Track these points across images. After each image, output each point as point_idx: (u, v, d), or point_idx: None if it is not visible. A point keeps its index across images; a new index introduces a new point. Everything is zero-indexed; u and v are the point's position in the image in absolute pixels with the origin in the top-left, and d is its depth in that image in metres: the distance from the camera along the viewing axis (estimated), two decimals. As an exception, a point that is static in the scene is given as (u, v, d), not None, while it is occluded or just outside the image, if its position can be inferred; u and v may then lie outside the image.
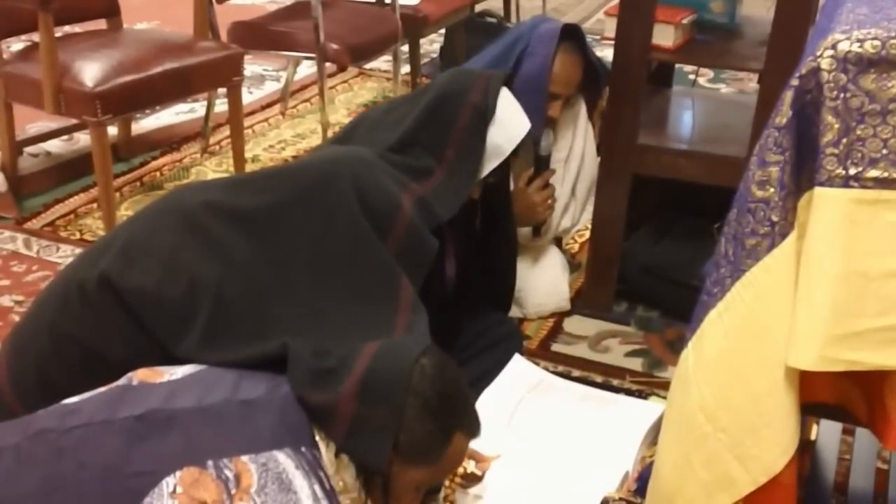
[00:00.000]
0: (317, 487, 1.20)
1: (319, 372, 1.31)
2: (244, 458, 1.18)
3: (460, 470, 1.63)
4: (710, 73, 4.15)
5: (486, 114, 1.79)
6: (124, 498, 1.14)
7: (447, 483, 1.68)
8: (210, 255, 1.52)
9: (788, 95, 1.12)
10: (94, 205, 2.84)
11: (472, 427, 1.38)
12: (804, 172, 1.14)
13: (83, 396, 1.30)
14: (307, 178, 1.66)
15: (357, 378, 1.27)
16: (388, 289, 1.57)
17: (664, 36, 2.21)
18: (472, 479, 1.69)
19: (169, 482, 1.14)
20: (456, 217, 1.81)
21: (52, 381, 1.47)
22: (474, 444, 1.73)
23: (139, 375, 1.31)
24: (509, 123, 1.83)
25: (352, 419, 1.25)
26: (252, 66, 3.93)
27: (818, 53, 1.09)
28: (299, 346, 1.35)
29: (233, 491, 1.15)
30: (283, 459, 1.20)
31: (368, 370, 1.29)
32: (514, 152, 1.89)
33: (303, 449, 1.22)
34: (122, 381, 1.31)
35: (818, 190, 1.12)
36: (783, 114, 1.12)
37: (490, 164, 1.82)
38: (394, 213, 1.63)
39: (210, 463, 1.16)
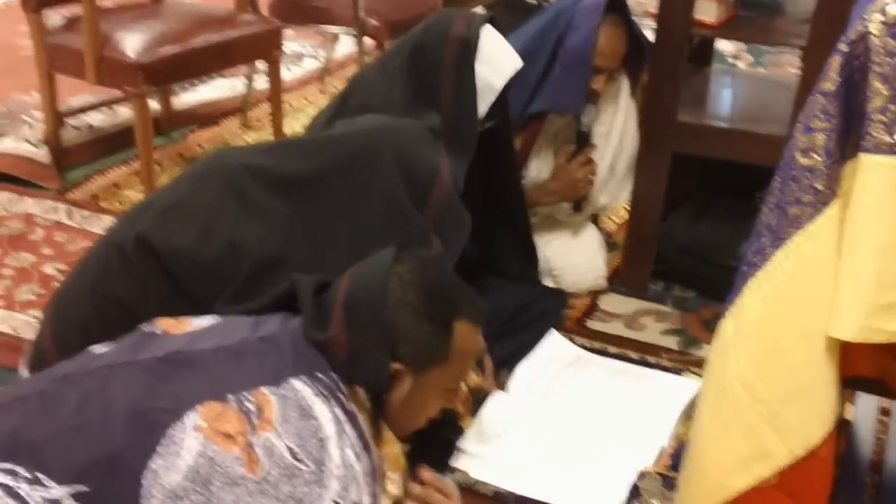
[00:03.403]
0: (337, 410, 1.22)
1: (316, 309, 1.31)
2: (264, 389, 1.19)
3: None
4: (750, 58, 4.10)
5: (470, 45, 1.74)
6: (147, 432, 1.16)
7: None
8: (247, 218, 1.53)
9: (836, 60, 1.11)
10: (135, 177, 2.88)
11: (471, 311, 1.37)
12: (850, 139, 1.13)
13: (107, 344, 1.32)
14: (350, 147, 1.67)
15: (339, 308, 1.29)
16: None
17: (707, 11, 2.19)
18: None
19: (192, 416, 1.16)
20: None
21: (95, 342, 1.49)
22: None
23: (162, 324, 1.33)
24: (496, 59, 1.77)
25: (346, 349, 1.27)
26: (291, 44, 3.95)
27: (867, 18, 1.08)
28: (304, 282, 1.36)
29: (255, 422, 1.17)
30: (301, 387, 1.21)
31: (347, 296, 1.30)
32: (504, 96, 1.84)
33: (318, 374, 1.24)
34: (144, 327, 1.33)
35: (864, 157, 1.11)
36: (830, 80, 1.11)
37: (484, 101, 1.76)
38: (433, 181, 1.63)
39: (231, 397, 1.18)
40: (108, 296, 1.53)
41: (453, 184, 1.66)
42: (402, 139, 1.68)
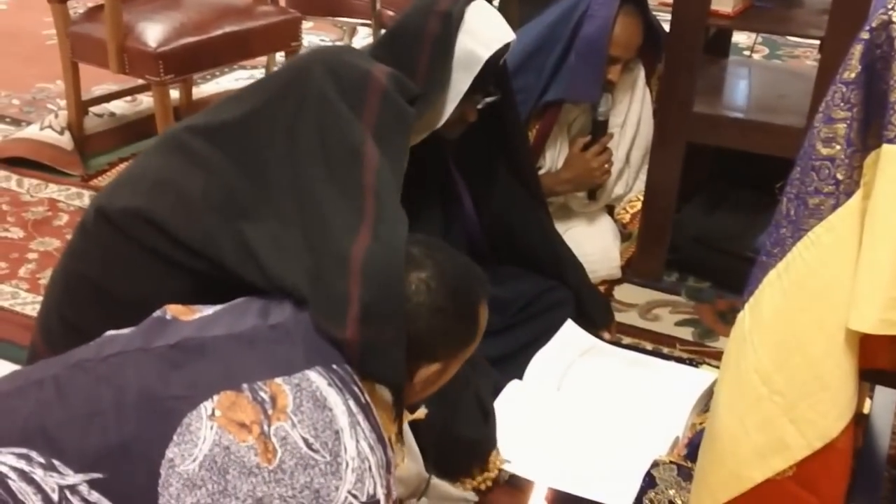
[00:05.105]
0: (351, 402, 1.21)
1: (330, 306, 1.30)
2: (278, 379, 1.19)
3: None
4: (766, 50, 4.08)
5: (453, 17, 1.69)
6: (162, 420, 1.16)
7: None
8: (192, 169, 1.53)
9: (858, 49, 1.10)
10: (155, 165, 2.90)
11: (483, 289, 1.38)
12: (871, 129, 1.12)
13: (121, 330, 1.32)
14: (282, 76, 1.65)
15: (356, 306, 1.27)
16: (353, 161, 1.51)
17: (723, 1, 2.18)
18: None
19: (207, 406, 1.16)
20: (461, 146, 1.78)
21: (74, 325, 1.50)
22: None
23: (172, 310, 1.33)
24: (483, 30, 1.72)
25: (360, 347, 1.26)
26: (309, 36, 3.96)
27: (889, 6, 1.07)
28: (298, 279, 1.34)
29: (269, 411, 1.16)
30: (316, 378, 1.21)
31: (363, 293, 1.28)
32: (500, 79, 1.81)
33: (334, 366, 1.23)
34: (157, 314, 1.33)
35: (886, 147, 1.10)
36: (852, 68, 1.10)
37: (468, 72, 1.70)
38: (365, 83, 1.57)
39: (245, 387, 1.18)
40: (78, 275, 1.54)
41: (393, 85, 1.59)
42: (331, 53, 1.67)
